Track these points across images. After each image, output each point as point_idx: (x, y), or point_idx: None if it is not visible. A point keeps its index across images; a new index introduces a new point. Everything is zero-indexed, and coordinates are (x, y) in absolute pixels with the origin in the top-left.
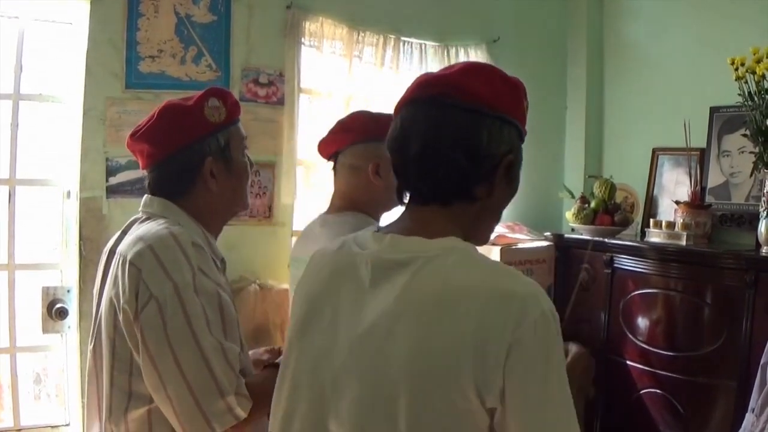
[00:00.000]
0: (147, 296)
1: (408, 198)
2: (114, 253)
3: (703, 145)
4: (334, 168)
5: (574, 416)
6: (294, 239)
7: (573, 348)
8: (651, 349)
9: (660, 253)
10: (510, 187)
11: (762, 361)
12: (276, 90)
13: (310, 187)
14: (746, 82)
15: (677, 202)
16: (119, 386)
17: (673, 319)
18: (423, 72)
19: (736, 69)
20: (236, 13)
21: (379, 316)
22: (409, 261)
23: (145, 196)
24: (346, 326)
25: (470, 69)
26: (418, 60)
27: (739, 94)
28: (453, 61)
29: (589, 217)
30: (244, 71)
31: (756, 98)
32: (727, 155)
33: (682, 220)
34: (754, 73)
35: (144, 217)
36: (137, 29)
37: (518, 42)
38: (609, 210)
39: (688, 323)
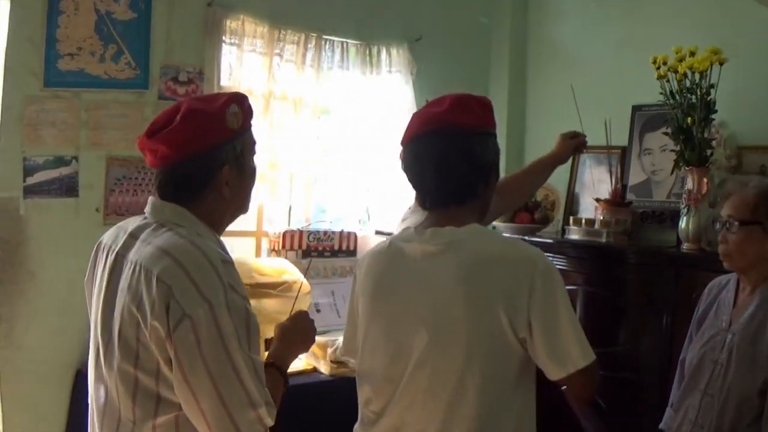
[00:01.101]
0: (180, 314)
1: (429, 204)
2: (123, 257)
3: (625, 143)
4: None
5: (579, 328)
6: (221, 238)
7: None
8: None
9: (580, 251)
10: (497, 179)
11: (680, 357)
12: (195, 88)
13: None
14: (668, 81)
15: (597, 200)
16: (146, 393)
17: (594, 315)
18: (345, 71)
19: (658, 68)
20: (157, 10)
21: (437, 284)
22: (450, 243)
23: (152, 199)
24: (410, 296)
25: (456, 104)
26: (339, 59)
27: (661, 93)
28: (375, 61)
29: (509, 215)
30: (164, 69)
31: (677, 97)
32: (649, 153)
33: (602, 218)
34: (676, 72)
35: (155, 224)
36: (57, 26)
37: (441, 41)
38: (529, 208)
39: (610, 320)
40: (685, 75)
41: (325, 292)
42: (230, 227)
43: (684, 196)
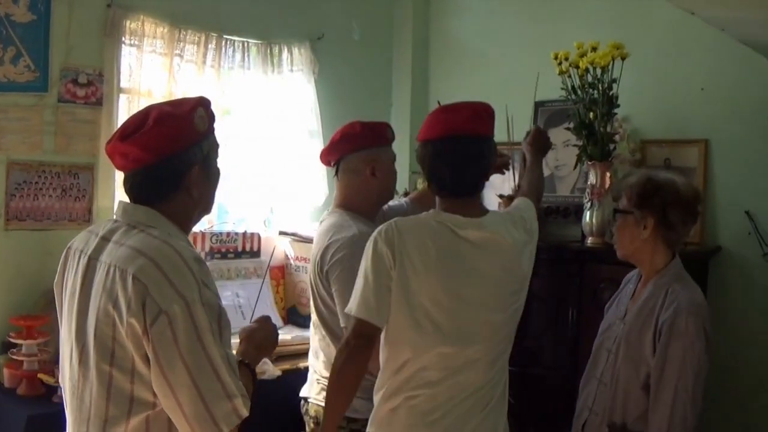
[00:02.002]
0: (156, 311)
1: (444, 194)
2: (95, 260)
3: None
4: (336, 173)
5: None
6: None
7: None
8: None
9: None
10: None
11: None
12: (95, 90)
13: None
14: (570, 77)
15: (501, 196)
16: (120, 393)
17: None
18: (246, 71)
19: (560, 63)
20: (56, 12)
21: (502, 260)
22: (491, 228)
23: (122, 202)
24: (484, 272)
25: (472, 115)
26: (240, 58)
27: (563, 89)
28: (276, 60)
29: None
30: (63, 71)
31: (579, 92)
32: (552, 149)
33: None
34: (577, 67)
35: (127, 226)
36: None
37: (343, 39)
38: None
39: None
40: (586, 70)
41: (229, 294)
42: None
43: (587, 190)
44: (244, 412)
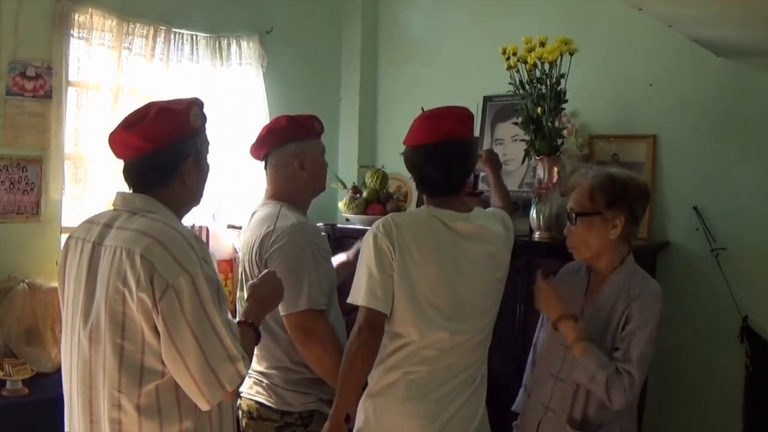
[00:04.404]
0: (164, 285)
1: (433, 193)
2: (99, 245)
3: (477, 133)
4: (265, 167)
5: None
6: (63, 236)
7: None
8: None
9: None
10: None
11: (534, 341)
12: (44, 83)
13: (78, 183)
14: (518, 72)
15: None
16: (131, 363)
17: None
18: (195, 64)
19: (508, 58)
20: (5, 5)
21: (487, 250)
22: (478, 222)
23: (120, 192)
24: (474, 261)
25: (458, 120)
26: (189, 52)
27: (511, 83)
28: (225, 53)
29: (361, 206)
30: (12, 64)
31: (527, 87)
32: (500, 143)
33: None
34: (525, 62)
35: (128, 213)
36: None
37: (292, 33)
38: (381, 199)
39: None
40: (535, 65)
41: None
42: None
43: (535, 185)
44: (245, 373)
